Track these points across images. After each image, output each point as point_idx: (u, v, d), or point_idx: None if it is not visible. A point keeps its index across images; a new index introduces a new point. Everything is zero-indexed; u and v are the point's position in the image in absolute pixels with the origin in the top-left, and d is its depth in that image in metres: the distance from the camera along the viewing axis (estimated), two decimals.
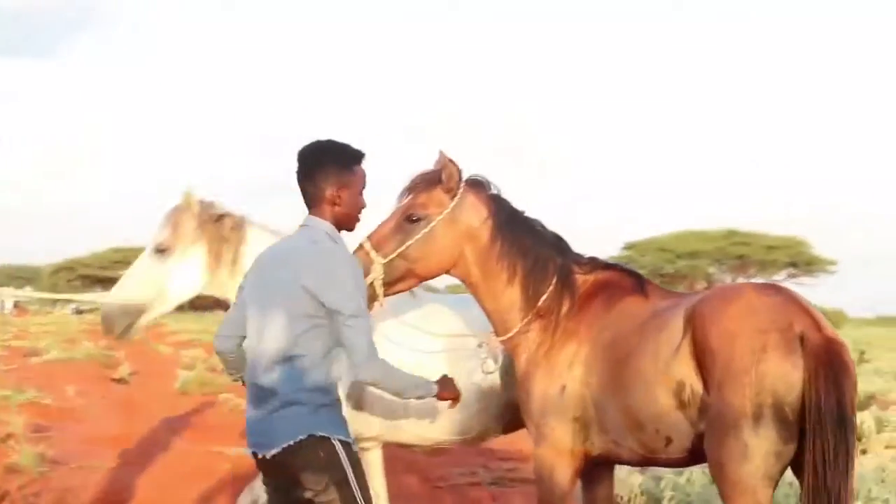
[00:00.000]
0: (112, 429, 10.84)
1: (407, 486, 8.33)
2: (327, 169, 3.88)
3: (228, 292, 5.15)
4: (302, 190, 3.92)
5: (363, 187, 3.99)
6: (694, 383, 3.89)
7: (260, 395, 3.79)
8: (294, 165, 3.94)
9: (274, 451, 3.72)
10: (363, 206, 4.01)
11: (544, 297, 4.41)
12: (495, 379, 4.95)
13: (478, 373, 4.89)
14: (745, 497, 3.71)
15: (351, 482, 3.75)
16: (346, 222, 3.96)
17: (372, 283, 4.26)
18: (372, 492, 4.80)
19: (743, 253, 52.43)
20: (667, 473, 6.39)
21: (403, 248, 4.36)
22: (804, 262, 53.81)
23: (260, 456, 3.81)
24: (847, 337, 4.54)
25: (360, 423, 4.96)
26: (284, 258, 3.82)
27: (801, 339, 3.71)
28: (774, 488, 3.79)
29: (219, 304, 5.43)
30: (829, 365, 3.68)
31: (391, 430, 5.11)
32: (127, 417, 11.93)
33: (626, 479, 6.77)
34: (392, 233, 4.39)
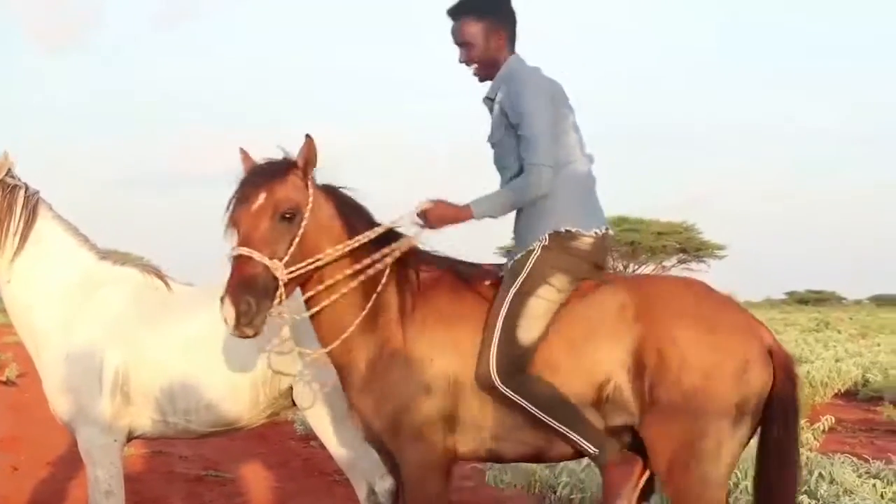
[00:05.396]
0: (0, 431, 10.56)
1: (305, 481, 8.34)
2: None
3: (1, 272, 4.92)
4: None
5: None
6: (621, 379, 3.83)
7: None
8: None
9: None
10: None
11: (378, 291, 4.03)
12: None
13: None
14: (710, 492, 3.81)
15: None
16: None
17: (280, 295, 3.86)
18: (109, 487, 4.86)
19: (633, 239, 53.41)
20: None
21: (294, 248, 3.86)
22: (693, 248, 55.14)
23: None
24: None
25: (131, 416, 4.94)
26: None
27: (770, 353, 3.90)
28: None
29: None
30: (788, 379, 3.90)
31: (158, 424, 4.99)
32: (15, 420, 11.63)
33: (522, 466, 6.85)
34: (271, 235, 3.86)
